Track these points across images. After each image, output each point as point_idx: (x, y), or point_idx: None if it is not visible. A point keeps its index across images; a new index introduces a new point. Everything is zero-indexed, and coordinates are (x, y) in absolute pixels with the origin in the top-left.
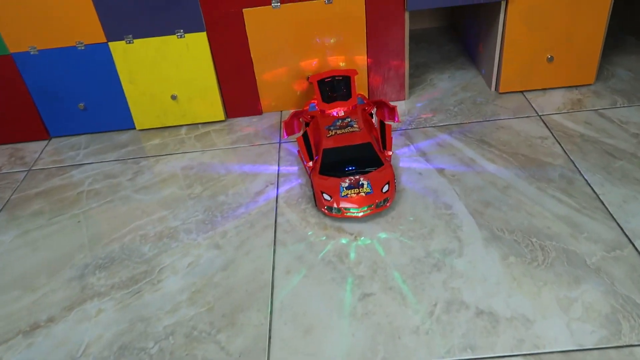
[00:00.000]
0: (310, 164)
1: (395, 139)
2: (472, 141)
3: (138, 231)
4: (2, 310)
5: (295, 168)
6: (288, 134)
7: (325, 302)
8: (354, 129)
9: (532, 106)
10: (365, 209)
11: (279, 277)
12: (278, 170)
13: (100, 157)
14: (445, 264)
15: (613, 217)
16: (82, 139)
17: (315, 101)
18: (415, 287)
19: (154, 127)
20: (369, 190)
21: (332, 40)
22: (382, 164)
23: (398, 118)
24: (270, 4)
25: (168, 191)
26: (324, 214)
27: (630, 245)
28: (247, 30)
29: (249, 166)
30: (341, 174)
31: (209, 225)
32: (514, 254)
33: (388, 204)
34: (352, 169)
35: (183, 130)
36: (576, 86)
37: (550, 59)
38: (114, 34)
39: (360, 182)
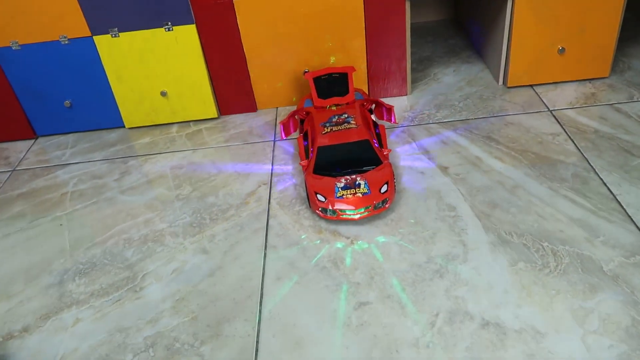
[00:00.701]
0: (304, 162)
1: (397, 136)
2: (478, 138)
3: (122, 235)
4: None
5: (290, 167)
6: (286, 135)
7: (318, 312)
8: (351, 126)
9: (542, 101)
10: (362, 210)
11: (269, 285)
12: (272, 169)
13: (87, 157)
14: (448, 270)
15: (632, 219)
16: (70, 137)
17: (311, 97)
18: (415, 295)
19: (144, 125)
20: (366, 190)
21: (329, 43)
22: (381, 163)
23: (395, 119)
24: None
25: (156, 192)
26: (319, 216)
27: None
28: (238, 22)
29: (241, 165)
30: (336, 173)
31: (197, 229)
32: (524, 259)
33: (387, 206)
34: (347, 168)
35: (174, 128)
36: (590, 79)
37: (562, 51)
38: (98, 28)
39: (357, 182)
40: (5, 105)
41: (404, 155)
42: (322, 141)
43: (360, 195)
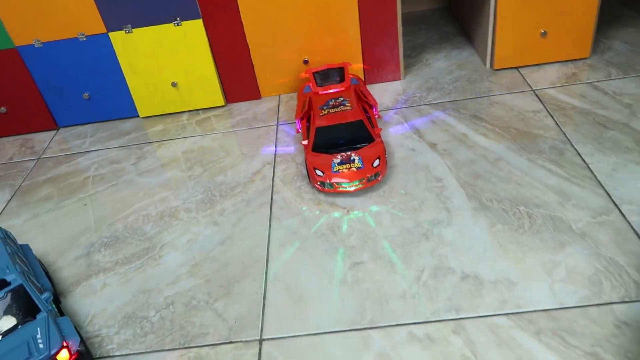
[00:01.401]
0: (305, 142)
1: (390, 117)
2: (466, 117)
3: (141, 212)
4: None
5: (292, 148)
6: (301, 128)
7: (317, 272)
8: (347, 108)
9: (526, 81)
10: (357, 183)
11: (274, 250)
12: (275, 151)
13: (106, 145)
14: (433, 233)
15: (602, 184)
16: (88, 128)
17: (310, 83)
18: (404, 255)
19: (157, 114)
20: (360, 165)
21: (327, 33)
22: (373, 140)
23: (378, 114)
24: None
25: (170, 174)
26: (318, 189)
27: (617, 210)
28: (242, 16)
29: (247, 148)
30: (333, 150)
31: (208, 204)
32: (502, 222)
33: (379, 178)
34: (343, 145)
35: (184, 116)
36: (572, 60)
37: (544, 34)
38: (113, 24)
39: (352, 158)
40: (29, 99)
41: (397, 134)
42: (320, 122)
43: (354, 169)
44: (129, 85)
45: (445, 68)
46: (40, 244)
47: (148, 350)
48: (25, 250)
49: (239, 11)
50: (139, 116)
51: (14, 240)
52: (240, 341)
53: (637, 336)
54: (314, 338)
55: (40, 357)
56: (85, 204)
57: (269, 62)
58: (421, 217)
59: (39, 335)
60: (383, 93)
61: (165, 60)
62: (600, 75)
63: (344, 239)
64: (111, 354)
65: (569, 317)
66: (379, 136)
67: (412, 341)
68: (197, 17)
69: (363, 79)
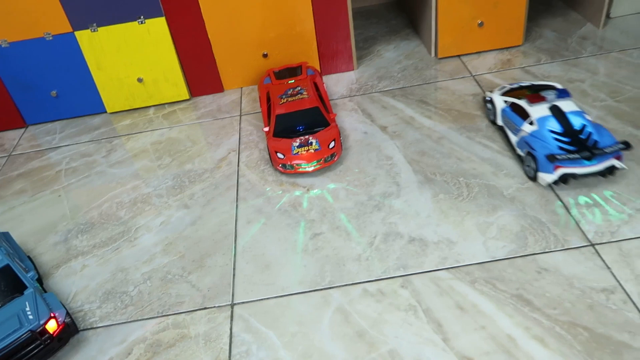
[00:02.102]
0: (267, 129)
1: (344, 104)
2: (413, 102)
3: (114, 200)
4: None
5: (254, 137)
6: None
7: (282, 243)
8: (304, 96)
9: (467, 68)
10: (315, 163)
11: (241, 227)
12: (239, 138)
13: (76, 139)
14: (384, 204)
15: None
16: (57, 124)
17: (269, 76)
18: (358, 225)
19: (124, 109)
20: (317, 147)
21: (283, 27)
22: (329, 124)
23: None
24: None
25: (140, 164)
26: (280, 171)
27: None
28: (203, 13)
29: (212, 137)
30: (292, 135)
31: (178, 190)
32: (444, 192)
33: (335, 159)
34: (301, 130)
35: (151, 110)
36: (507, 48)
37: (481, 24)
38: (79, 24)
39: (310, 141)
40: None
41: (351, 120)
42: (280, 110)
43: (312, 151)
44: (95, 82)
45: (394, 58)
46: (18, 233)
47: (129, 320)
48: (6, 236)
49: (200, 9)
50: (106, 112)
51: None
52: (214, 307)
53: (554, 279)
54: (281, 299)
55: (31, 327)
56: (59, 195)
57: (230, 57)
58: (373, 191)
59: (27, 309)
60: (338, 82)
61: (131, 57)
62: (532, 60)
63: (305, 214)
64: (94, 326)
65: (499, 267)
66: (334, 121)
67: (366, 296)
68: (160, 15)
69: (319, 70)
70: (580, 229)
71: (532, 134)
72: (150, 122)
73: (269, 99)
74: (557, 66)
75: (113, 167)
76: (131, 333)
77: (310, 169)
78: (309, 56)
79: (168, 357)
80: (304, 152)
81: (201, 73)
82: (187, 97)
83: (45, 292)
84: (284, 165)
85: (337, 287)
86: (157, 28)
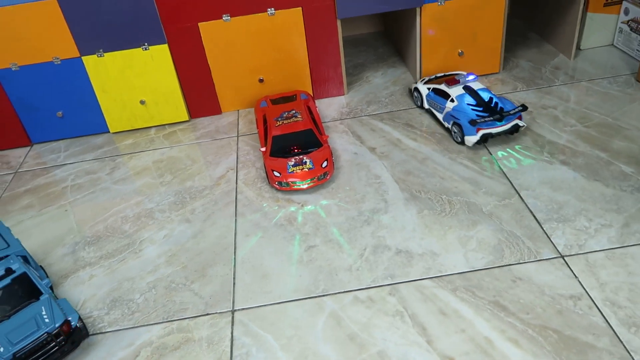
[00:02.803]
0: (263, 149)
1: (336, 127)
2: (399, 125)
3: (119, 214)
4: None
5: (251, 156)
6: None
7: (278, 255)
8: (298, 119)
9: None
10: (309, 181)
11: (240, 240)
12: (237, 158)
13: (80, 158)
14: (373, 219)
15: (506, 175)
16: (62, 143)
17: (265, 100)
18: (349, 238)
19: (126, 129)
20: (311, 166)
21: (278, 55)
22: (321, 145)
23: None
24: (222, 18)
25: (142, 181)
26: (276, 189)
27: (517, 195)
28: (203, 41)
29: (211, 156)
30: (288, 155)
31: (180, 205)
32: (428, 208)
33: (328, 177)
34: (296, 150)
35: (152, 130)
36: (486, 75)
37: (461, 54)
38: (86, 49)
39: (304, 160)
40: (4, 118)
41: (342, 141)
42: (276, 132)
43: (306, 170)
44: (100, 104)
45: (382, 84)
46: (27, 245)
47: (136, 325)
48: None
49: (201, 37)
50: (109, 131)
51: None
52: (216, 312)
53: (527, 287)
54: (277, 306)
55: (47, 329)
56: (66, 210)
57: (228, 81)
58: (363, 207)
59: (44, 312)
60: (329, 106)
61: (134, 80)
62: (509, 87)
63: (300, 228)
64: (103, 331)
65: (478, 277)
66: (326, 142)
67: (356, 303)
68: (163, 42)
69: (312, 94)
70: (551, 242)
71: (454, 108)
72: (151, 141)
73: (265, 121)
74: (532, 94)
75: (117, 183)
76: (138, 337)
77: (305, 187)
78: (303, 82)
79: (173, 359)
80: (299, 171)
81: (200, 96)
82: (187, 119)
83: (58, 299)
84: (280, 183)
85: (330, 294)
86: (160, 54)
